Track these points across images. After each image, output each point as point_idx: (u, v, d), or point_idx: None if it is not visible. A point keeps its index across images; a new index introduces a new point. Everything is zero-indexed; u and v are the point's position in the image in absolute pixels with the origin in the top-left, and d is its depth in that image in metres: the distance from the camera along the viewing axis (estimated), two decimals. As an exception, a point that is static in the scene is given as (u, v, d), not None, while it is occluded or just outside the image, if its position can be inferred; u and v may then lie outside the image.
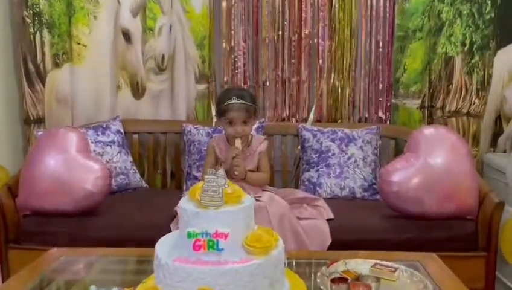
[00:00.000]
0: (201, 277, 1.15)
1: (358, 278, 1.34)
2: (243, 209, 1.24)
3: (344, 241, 2.00)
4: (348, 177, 2.47)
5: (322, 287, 1.31)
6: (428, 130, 2.10)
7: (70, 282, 1.51)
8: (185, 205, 1.26)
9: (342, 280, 1.32)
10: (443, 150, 2.02)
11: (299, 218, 2.04)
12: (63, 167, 2.08)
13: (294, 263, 1.48)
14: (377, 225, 2.08)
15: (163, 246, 1.28)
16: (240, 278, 1.16)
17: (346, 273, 1.37)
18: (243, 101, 2.03)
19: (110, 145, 2.54)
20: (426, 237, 2.01)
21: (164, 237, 1.34)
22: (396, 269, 1.41)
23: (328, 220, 2.09)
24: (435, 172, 2.00)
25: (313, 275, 1.45)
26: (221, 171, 1.20)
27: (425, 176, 2.00)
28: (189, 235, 1.18)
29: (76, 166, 2.08)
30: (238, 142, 2.04)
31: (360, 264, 1.45)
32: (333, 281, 1.31)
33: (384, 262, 1.46)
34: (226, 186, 1.21)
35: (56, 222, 2.09)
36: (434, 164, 2.00)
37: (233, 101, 2.03)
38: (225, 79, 2.77)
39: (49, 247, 1.85)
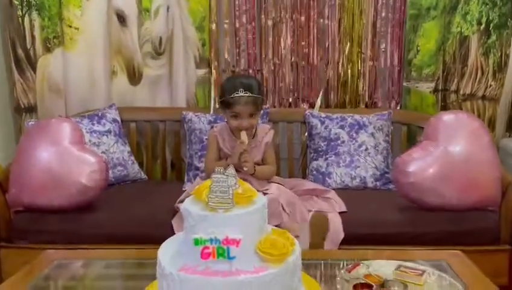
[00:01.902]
0: (211, 289, 1.02)
1: (383, 284, 1.21)
2: (256, 211, 1.10)
3: (357, 235, 1.89)
4: (358, 166, 2.34)
5: (343, 295, 1.18)
6: (448, 116, 1.96)
7: (67, 288, 1.39)
8: (190, 206, 1.12)
9: (365, 286, 1.19)
10: (464, 137, 1.88)
11: (309, 211, 1.92)
12: (55, 160, 1.95)
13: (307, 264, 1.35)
14: (392, 218, 1.95)
15: (167, 252, 1.14)
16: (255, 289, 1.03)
17: (369, 277, 1.25)
18: (251, 94, 1.88)
19: (106, 135, 2.41)
20: (445, 230, 1.89)
21: (167, 241, 1.21)
22: (423, 272, 1.29)
23: (339, 213, 1.97)
24: (455, 161, 1.86)
25: (330, 278, 1.33)
26: (231, 170, 1.06)
27: (444, 166, 1.86)
28: (197, 242, 1.04)
29: (70, 159, 1.95)
30: (244, 135, 1.88)
31: (383, 266, 1.33)
32: (356, 287, 1.19)
33: (409, 264, 1.33)
34: (236, 186, 1.07)
35: (50, 218, 1.97)
36: (454, 152, 1.87)
37: (240, 94, 1.87)
38: (228, 62, 2.61)
39: (43, 245, 1.77)
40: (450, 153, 1.87)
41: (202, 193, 1.12)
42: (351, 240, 1.88)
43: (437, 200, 1.88)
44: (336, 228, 1.89)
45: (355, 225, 1.92)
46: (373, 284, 1.20)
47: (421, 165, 1.88)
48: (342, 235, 1.87)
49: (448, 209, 1.89)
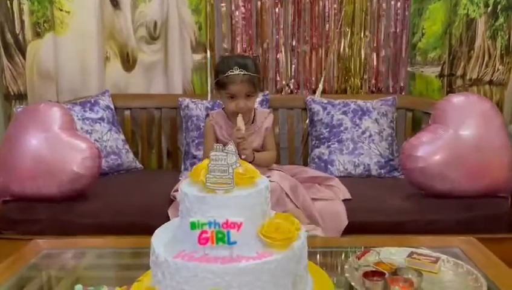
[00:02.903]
0: (210, 277, 0.93)
1: (395, 271, 1.12)
2: (258, 192, 1.01)
3: (361, 223, 1.80)
4: (362, 154, 2.25)
5: (352, 284, 1.09)
6: (458, 98, 1.87)
7: (54, 280, 1.30)
8: (186, 188, 1.03)
9: (376, 274, 1.10)
10: (474, 120, 1.80)
11: (312, 199, 1.83)
12: (45, 147, 1.85)
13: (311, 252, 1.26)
14: (399, 205, 1.87)
15: (161, 239, 1.05)
16: (258, 277, 0.94)
17: (380, 265, 1.16)
18: (246, 72, 1.79)
19: (99, 123, 2.32)
20: (454, 218, 1.80)
21: (161, 227, 1.12)
22: (437, 258, 1.20)
23: (343, 201, 1.88)
24: (465, 145, 1.78)
25: (337, 266, 1.24)
26: (231, 147, 0.97)
27: (454, 150, 1.78)
28: (193, 225, 0.95)
29: (61, 145, 1.86)
30: (240, 121, 1.79)
31: (394, 253, 1.24)
32: (366, 275, 1.10)
33: (421, 250, 1.25)
34: (237, 165, 0.98)
35: (40, 208, 1.88)
36: (464, 136, 1.78)
37: (235, 72, 1.78)
38: (225, 47, 2.51)
39: (33, 236, 1.68)
40: (460, 137, 1.78)
41: (199, 173, 1.03)
42: (354, 228, 1.79)
43: (446, 186, 1.80)
44: (340, 216, 1.80)
45: (359, 212, 1.83)
46: (385, 272, 1.11)
47: (429, 149, 1.79)
48: (345, 223, 1.78)
49: (458, 195, 1.81)
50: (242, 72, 1.77)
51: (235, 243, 0.94)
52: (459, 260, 1.21)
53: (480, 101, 1.86)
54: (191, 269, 0.94)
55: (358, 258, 1.18)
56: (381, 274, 1.10)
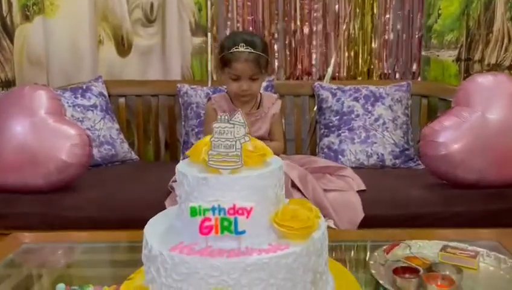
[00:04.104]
0: (214, 274, 0.77)
1: (430, 267, 0.96)
2: (271, 173, 0.85)
3: (379, 216, 1.64)
4: (375, 143, 2.09)
5: (381, 282, 0.93)
6: (485, 78, 1.70)
7: (33, 277, 1.13)
8: (184, 169, 0.87)
9: (408, 270, 0.94)
10: (504, 102, 1.63)
11: (324, 190, 1.66)
12: (30, 133, 1.69)
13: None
14: (419, 196, 1.70)
15: (156, 229, 0.89)
16: (272, 274, 0.78)
17: (412, 260, 1.00)
18: (253, 50, 1.63)
19: (92, 110, 2.16)
20: (481, 209, 1.63)
21: (156, 216, 0.95)
22: (476, 253, 1.03)
23: (358, 192, 1.72)
24: (493, 129, 1.61)
25: (360, 262, 1.08)
26: (239, 116, 0.80)
27: (481, 135, 1.61)
28: (194, 212, 0.79)
29: (47, 131, 1.70)
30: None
31: (424, 247, 1.07)
32: (396, 272, 0.93)
33: (456, 244, 1.08)
34: (246, 139, 0.81)
35: (25, 200, 1.71)
36: (492, 119, 1.62)
37: (241, 49, 1.63)
38: (226, 31, 2.35)
39: (17, 231, 1.51)
40: (488, 120, 1.62)
41: (200, 151, 0.87)
42: (371, 221, 1.62)
43: (472, 175, 1.63)
44: (355, 208, 1.63)
45: (376, 204, 1.67)
46: (419, 268, 0.94)
47: (453, 134, 1.63)
48: (361, 215, 1.62)
49: (485, 185, 1.65)
50: (248, 50, 1.61)
51: (243, 232, 0.78)
52: (500, 255, 1.05)
53: (509, 81, 1.69)
54: (190, 264, 0.78)
55: (387, 253, 1.01)
56: (414, 271, 0.94)
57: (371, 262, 1.00)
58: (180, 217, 0.87)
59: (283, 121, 2.22)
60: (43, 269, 1.16)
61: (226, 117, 0.81)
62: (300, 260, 0.80)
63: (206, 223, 0.78)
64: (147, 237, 0.86)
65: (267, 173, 0.84)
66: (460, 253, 1.03)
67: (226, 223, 0.78)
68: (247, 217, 0.78)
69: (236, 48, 1.62)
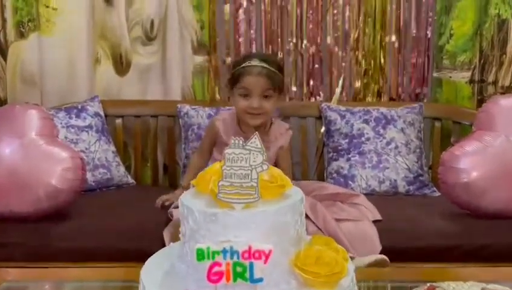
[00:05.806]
0: (225, 332, 0.64)
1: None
2: (291, 207, 0.73)
3: (397, 249, 1.51)
4: (387, 168, 1.97)
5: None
6: (508, 100, 1.61)
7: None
8: (189, 201, 0.74)
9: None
10: (530, 125, 1.53)
11: (336, 220, 1.54)
12: (19, 155, 1.59)
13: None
14: (440, 227, 1.58)
15: (154, 273, 0.76)
16: (295, 332, 0.65)
17: (451, 307, 0.86)
18: (266, 65, 1.53)
19: (87, 131, 2.07)
20: (508, 243, 1.51)
21: (154, 255, 0.82)
22: (521, 298, 0.90)
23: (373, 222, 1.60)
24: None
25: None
26: (256, 141, 0.68)
27: (505, 161, 1.50)
28: (201, 254, 0.66)
29: (37, 154, 1.59)
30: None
31: (461, 289, 0.94)
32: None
33: (494, 286, 0.95)
34: (264, 167, 0.69)
35: (10, 229, 1.59)
36: (518, 144, 1.51)
37: (254, 63, 1.53)
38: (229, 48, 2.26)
39: (1, 263, 1.39)
40: (513, 145, 1.51)
41: (208, 180, 0.74)
42: (388, 255, 1.49)
43: (496, 205, 1.52)
44: (372, 240, 1.50)
45: (392, 235, 1.55)
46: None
47: (475, 160, 1.52)
48: (379, 248, 1.49)
49: (511, 216, 1.52)
50: (261, 64, 1.52)
51: (261, 280, 0.65)
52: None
53: (535, 104, 1.59)
54: (196, 319, 0.65)
55: (423, 298, 0.88)
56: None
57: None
58: (183, 259, 0.74)
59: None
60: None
61: (241, 142, 0.69)
62: (328, 314, 0.67)
63: (216, 269, 0.66)
64: (144, 283, 0.73)
65: (287, 207, 0.72)
66: (503, 298, 0.91)
67: (239, 269, 0.65)
68: (264, 262, 0.65)
69: (249, 62, 1.53)
